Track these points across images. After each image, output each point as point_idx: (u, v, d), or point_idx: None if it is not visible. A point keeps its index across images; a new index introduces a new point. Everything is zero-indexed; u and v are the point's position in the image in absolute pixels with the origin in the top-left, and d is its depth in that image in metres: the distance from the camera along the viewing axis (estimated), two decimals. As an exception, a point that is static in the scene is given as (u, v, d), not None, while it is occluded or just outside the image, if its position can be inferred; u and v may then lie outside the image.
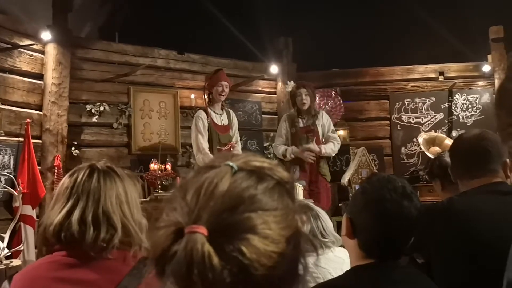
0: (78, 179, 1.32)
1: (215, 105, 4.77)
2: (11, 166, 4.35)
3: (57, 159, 4.66)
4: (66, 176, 1.36)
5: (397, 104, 6.48)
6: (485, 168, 1.79)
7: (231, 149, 4.64)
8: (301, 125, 5.03)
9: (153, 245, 0.65)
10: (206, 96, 4.80)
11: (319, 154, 4.93)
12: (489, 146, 1.80)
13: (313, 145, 4.90)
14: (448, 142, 5.87)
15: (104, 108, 5.26)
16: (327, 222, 2.21)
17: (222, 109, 4.84)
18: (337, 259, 2.07)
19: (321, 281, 1.90)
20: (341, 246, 2.17)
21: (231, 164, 0.67)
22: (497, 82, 6.29)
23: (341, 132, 6.42)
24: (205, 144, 4.58)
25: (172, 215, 0.65)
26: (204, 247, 0.59)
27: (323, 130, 5.09)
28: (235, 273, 0.59)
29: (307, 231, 2.07)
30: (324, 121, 5.12)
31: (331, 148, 5.00)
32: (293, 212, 0.68)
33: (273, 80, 6.40)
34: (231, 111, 4.98)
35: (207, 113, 4.69)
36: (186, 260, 0.59)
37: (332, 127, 5.17)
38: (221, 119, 4.78)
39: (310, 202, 2.35)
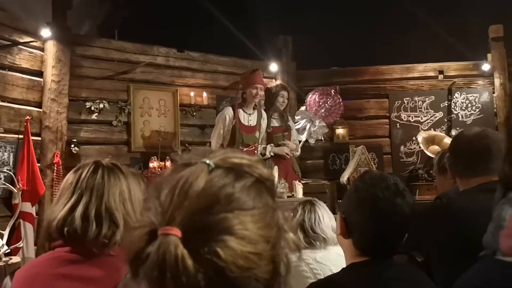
0: (83, 175, 1.32)
1: (248, 104, 4.81)
2: (11, 163, 4.35)
3: (57, 156, 4.66)
4: (71, 171, 1.36)
5: (396, 102, 6.48)
6: (486, 167, 1.78)
7: (255, 151, 4.70)
8: (276, 124, 5.13)
9: (127, 246, 0.63)
10: (239, 95, 4.85)
11: (295, 152, 5.12)
12: (491, 144, 1.78)
13: (290, 143, 5.09)
14: (448, 140, 5.87)
15: (104, 105, 5.25)
16: (323, 219, 2.20)
17: (254, 108, 4.87)
18: (338, 257, 2.07)
19: (322, 277, 1.90)
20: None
21: (207, 161, 0.65)
22: (496, 81, 6.30)
23: (340, 131, 6.42)
24: (218, 140, 4.73)
25: (146, 215, 0.63)
26: (177, 249, 0.57)
27: (293, 134, 5.26)
28: (210, 276, 0.58)
29: (297, 222, 2.07)
30: (294, 127, 5.36)
31: (299, 150, 5.26)
32: (272, 210, 0.66)
33: (272, 79, 6.40)
34: (263, 112, 5.00)
35: (234, 111, 4.73)
36: (158, 263, 0.58)
37: (296, 133, 5.41)
38: (249, 119, 4.82)
39: (315, 199, 2.35)
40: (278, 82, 5.67)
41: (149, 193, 0.66)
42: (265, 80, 6.35)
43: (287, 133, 5.12)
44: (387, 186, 1.37)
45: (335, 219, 2.32)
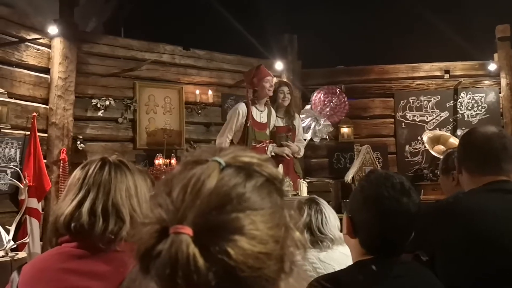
0: (90, 171, 1.33)
1: (260, 101, 4.82)
2: (17, 159, 4.38)
3: (63, 152, 4.69)
4: (78, 168, 1.37)
5: (402, 102, 6.47)
6: (499, 166, 1.75)
7: (266, 148, 4.71)
8: (281, 124, 5.10)
9: (137, 242, 0.63)
10: (250, 94, 4.86)
11: (295, 154, 5.06)
12: (508, 144, 1.76)
13: (293, 145, 5.03)
14: (453, 140, 5.86)
15: (110, 102, 5.28)
16: (330, 220, 2.20)
17: (265, 105, 4.88)
18: (342, 256, 2.08)
19: (326, 276, 1.91)
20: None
21: (218, 160, 0.65)
22: (503, 81, 6.28)
23: (346, 130, 6.42)
24: (229, 134, 4.73)
25: (156, 211, 0.63)
26: (189, 248, 0.58)
27: (298, 134, 5.21)
28: (221, 275, 0.58)
29: (304, 223, 2.07)
30: (301, 126, 5.32)
31: (302, 151, 5.19)
32: (281, 209, 0.66)
33: (277, 77, 6.40)
34: (272, 110, 5.00)
35: (248, 108, 4.74)
36: (170, 262, 0.58)
37: (302, 132, 5.36)
38: (260, 116, 4.83)
39: (316, 196, 2.35)
40: (276, 79, 5.67)
41: (159, 189, 0.66)
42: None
43: (290, 133, 5.10)
44: (392, 185, 1.36)
45: (339, 218, 2.34)
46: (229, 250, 0.58)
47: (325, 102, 6.19)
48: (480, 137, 1.83)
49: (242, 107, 4.74)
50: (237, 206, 0.61)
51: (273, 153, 4.93)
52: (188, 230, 0.59)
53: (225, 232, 0.59)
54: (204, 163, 0.65)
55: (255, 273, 0.60)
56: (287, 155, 4.94)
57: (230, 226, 0.60)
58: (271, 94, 4.81)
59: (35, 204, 4.29)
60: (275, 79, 5.48)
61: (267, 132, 4.89)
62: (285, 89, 5.08)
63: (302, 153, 5.22)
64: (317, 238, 2.14)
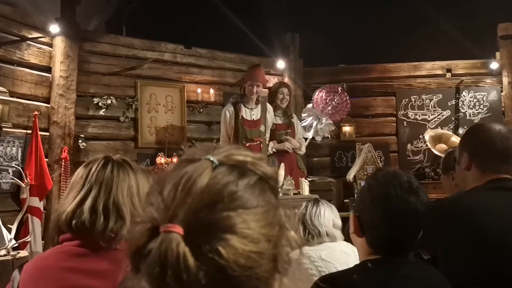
0: (92, 169, 1.33)
1: (248, 100, 4.84)
2: (19, 158, 4.38)
3: (65, 151, 4.69)
4: (82, 166, 1.38)
5: (403, 100, 6.46)
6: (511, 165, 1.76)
7: (261, 145, 4.71)
8: (279, 122, 5.14)
9: (129, 240, 0.63)
10: (242, 91, 4.92)
11: (297, 150, 5.10)
12: None
13: (293, 140, 5.09)
14: (455, 139, 5.84)
15: (111, 101, 5.28)
16: (324, 214, 2.20)
17: (257, 103, 4.89)
18: (343, 254, 2.08)
19: (327, 275, 1.90)
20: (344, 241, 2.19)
21: (211, 158, 0.64)
22: (504, 80, 6.26)
23: (347, 128, 6.41)
24: (225, 137, 4.81)
25: (148, 210, 0.63)
26: (179, 247, 0.57)
27: (297, 132, 5.25)
28: (211, 274, 0.57)
29: (298, 216, 2.07)
30: (299, 125, 5.37)
31: (303, 148, 5.25)
32: (275, 208, 0.66)
33: (279, 76, 6.39)
34: (268, 105, 5.00)
35: (236, 107, 4.79)
36: (160, 261, 0.58)
37: (302, 131, 5.41)
38: (251, 114, 4.83)
39: (319, 198, 2.36)
40: (276, 80, 5.71)
41: (152, 187, 0.66)
42: (272, 77, 6.37)
43: (290, 130, 5.14)
44: (400, 184, 1.35)
45: (340, 217, 2.34)
46: (220, 249, 0.58)
47: (327, 100, 6.17)
48: (499, 135, 1.79)
49: (228, 108, 4.83)
50: (229, 204, 0.61)
51: (274, 150, 4.94)
52: (178, 229, 0.58)
53: (216, 231, 0.59)
54: (197, 162, 0.65)
55: (247, 272, 0.59)
56: (288, 148, 4.97)
57: (221, 224, 0.59)
58: (253, 98, 4.81)
59: (37, 203, 4.30)
60: (275, 80, 5.47)
61: (261, 128, 4.88)
62: (285, 90, 5.14)
63: (303, 150, 5.24)
64: (308, 229, 2.15)
